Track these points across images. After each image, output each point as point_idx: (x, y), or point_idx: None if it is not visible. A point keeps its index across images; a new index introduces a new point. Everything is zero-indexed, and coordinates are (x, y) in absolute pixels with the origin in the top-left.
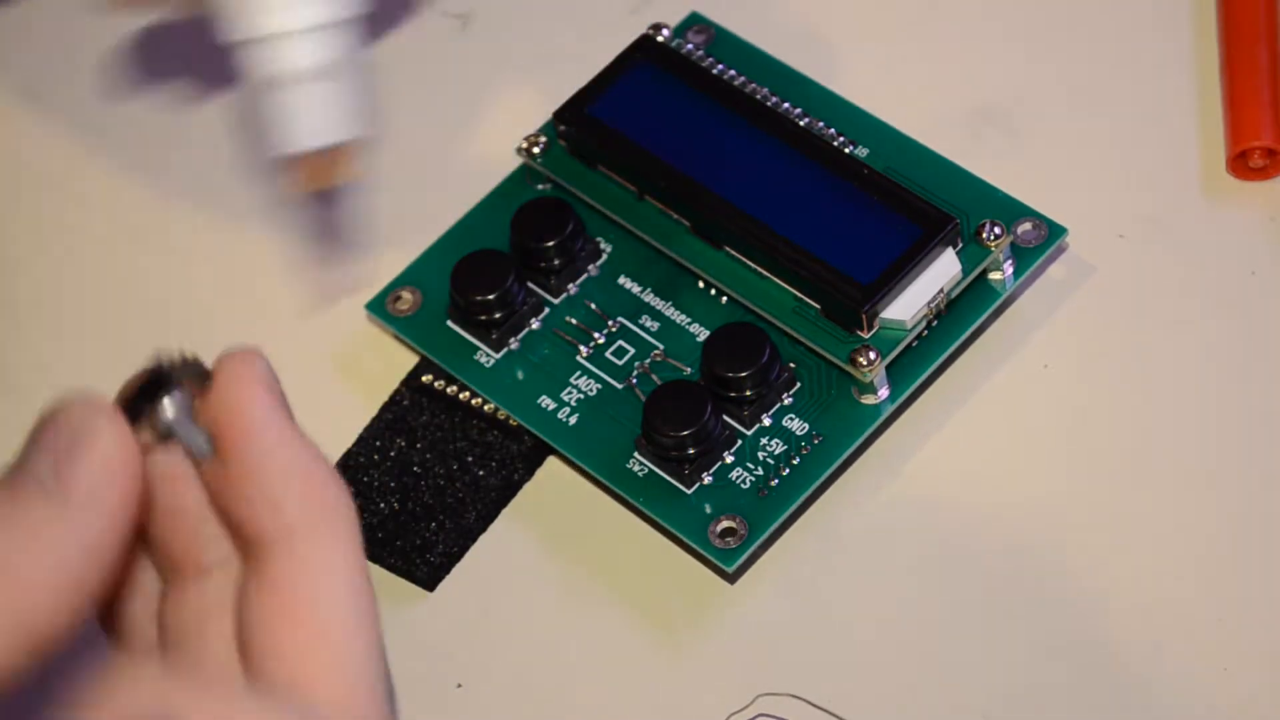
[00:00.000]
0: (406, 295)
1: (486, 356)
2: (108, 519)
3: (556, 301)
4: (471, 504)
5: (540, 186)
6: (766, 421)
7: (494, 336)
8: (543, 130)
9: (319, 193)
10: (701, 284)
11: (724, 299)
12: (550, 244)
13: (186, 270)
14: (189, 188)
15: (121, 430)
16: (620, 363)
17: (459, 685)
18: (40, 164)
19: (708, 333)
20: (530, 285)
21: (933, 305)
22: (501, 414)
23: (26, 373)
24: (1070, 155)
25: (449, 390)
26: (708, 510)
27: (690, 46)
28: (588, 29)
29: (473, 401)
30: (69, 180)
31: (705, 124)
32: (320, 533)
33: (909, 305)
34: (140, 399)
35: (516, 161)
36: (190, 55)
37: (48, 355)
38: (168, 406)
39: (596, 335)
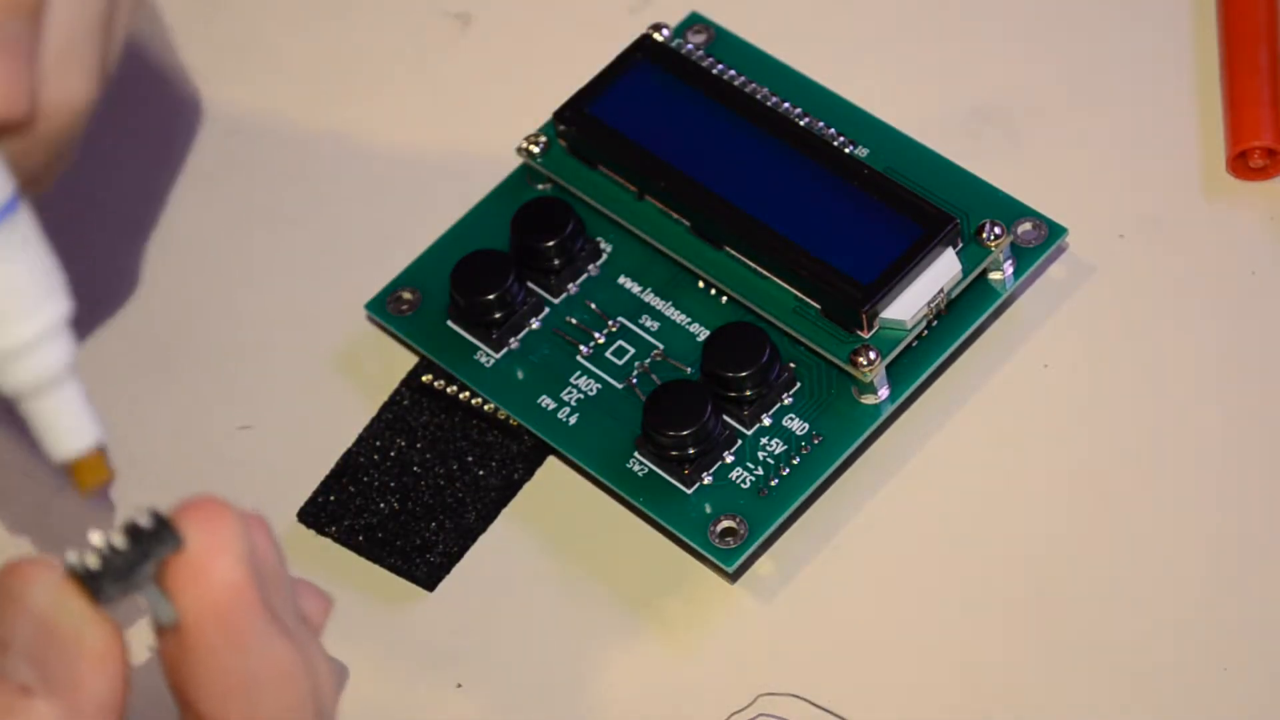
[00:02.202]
0: (406, 295)
1: (486, 356)
2: (99, 701)
3: (556, 301)
4: (471, 504)
5: (540, 186)
6: (766, 421)
7: (494, 336)
8: (543, 130)
9: (97, 490)
10: (701, 284)
11: (724, 299)
12: (550, 244)
13: (187, 270)
14: (189, 187)
15: (92, 613)
16: (620, 363)
17: (459, 685)
18: None
19: (708, 333)
20: (530, 285)
21: (933, 305)
22: (501, 414)
23: None
24: (1070, 155)
25: (449, 390)
26: (708, 510)
27: (690, 46)
28: (588, 29)
29: (473, 401)
30: (71, 176)
31: (705, 124)
32: None
33: (909, 305)
34: (103, 570)
35: (516, 161)
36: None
37: None
38: (137, 577)
39: (596, 335)
